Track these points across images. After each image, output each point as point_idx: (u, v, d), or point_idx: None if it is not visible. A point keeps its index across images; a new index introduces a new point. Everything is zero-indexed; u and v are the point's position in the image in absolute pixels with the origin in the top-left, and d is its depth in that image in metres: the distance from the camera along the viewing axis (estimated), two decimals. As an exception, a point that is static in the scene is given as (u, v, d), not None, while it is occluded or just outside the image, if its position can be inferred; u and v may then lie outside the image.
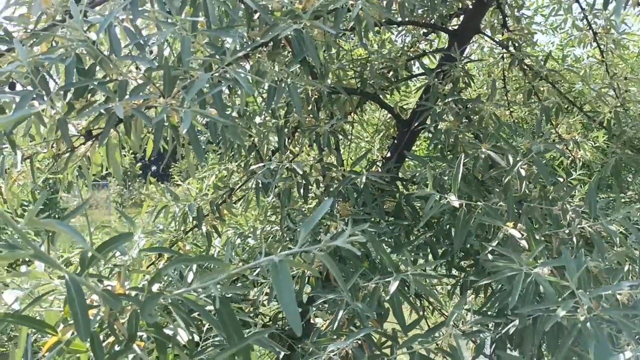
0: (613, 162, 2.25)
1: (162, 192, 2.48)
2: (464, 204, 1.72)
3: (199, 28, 1.49)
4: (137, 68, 1.68)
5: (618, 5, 1.33)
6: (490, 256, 1.60)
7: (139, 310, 1.11)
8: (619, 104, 2.45)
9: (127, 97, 1.30)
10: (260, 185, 2.21)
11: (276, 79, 1.61)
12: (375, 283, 1.66)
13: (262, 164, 2.10)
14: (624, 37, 3.15)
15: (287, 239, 2.46)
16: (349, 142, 2.91)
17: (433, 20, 2.67)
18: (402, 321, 1.59)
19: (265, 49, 1.72)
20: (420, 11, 2.66)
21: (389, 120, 3.01)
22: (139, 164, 17.01)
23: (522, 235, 1.61)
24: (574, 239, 1.69)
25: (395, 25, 2.73)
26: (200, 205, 2.34)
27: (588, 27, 3.12)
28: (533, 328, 1.48)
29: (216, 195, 2.46)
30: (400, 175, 2.53)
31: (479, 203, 1.75)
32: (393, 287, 1.56)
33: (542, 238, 1.68)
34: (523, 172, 1.80)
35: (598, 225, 1.65)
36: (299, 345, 1.89)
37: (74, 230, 0.89)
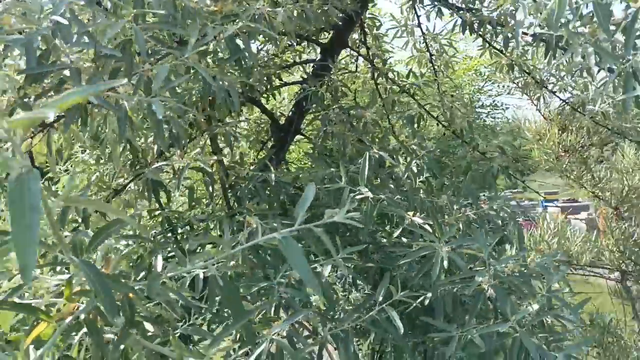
0: (465, 164, 2.65)
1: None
2: (370, 196, 1.93)
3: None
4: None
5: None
6: (404, 240, 1.82)
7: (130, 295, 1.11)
8: (470, 116, 2.89)
9: (84, 84, 1.27)
10: (151, 185, 2.18)
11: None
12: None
13: (162, 163, 2.09)
14: (453, 60, 3.67)
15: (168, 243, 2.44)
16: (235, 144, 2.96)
17: (306, 33, 2.87)
18: (330, 301, 1.74)
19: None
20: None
21: (262, 125, 3.13)
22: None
23: (424, 221, 1.87)
24: (460, 225, 1.99)
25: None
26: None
27: (426, 49, 3.59)
28: (443, 298, 1.73)
29: (100, 197, 2.35)
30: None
31: (382, 196, 1.97)
32: (327, 271, 1.70)
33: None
34: (415, 169, 2.07)
35: (479, 212, 1.98)
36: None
37: (114, 209, 0.89)
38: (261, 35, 1.97)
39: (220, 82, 1.51)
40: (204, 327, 2.02)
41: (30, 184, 0.66)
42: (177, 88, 1.38)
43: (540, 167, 4.76)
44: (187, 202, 2.48)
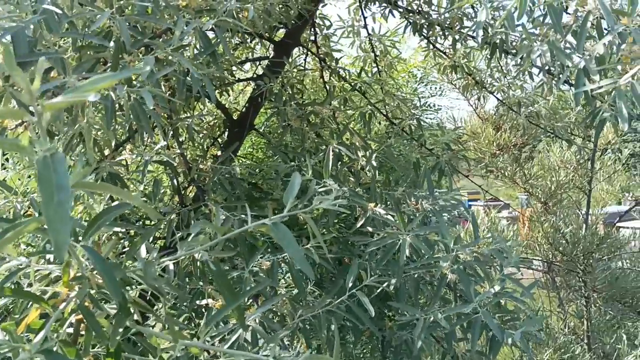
0: (414, 159, 2.78)
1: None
2: (336, 188, 2.00)
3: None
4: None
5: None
6: (370, 229, 1.90)
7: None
8: (418, 113, 3.02)
9: (74, 73, 1.28)
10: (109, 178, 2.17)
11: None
12: (269, 260, 1.83)
13: (127, 156, 2.09)
14: (396, 60, 3.80)
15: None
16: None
17: (260, 30, 2.91)
18: (302, 289, 1.80)
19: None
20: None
21: (215, 121, 3.13)
22: None
23: (387, 212, 1.96)
24: (417, 215, 2.10)
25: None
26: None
27: (371, 50, 3.70)
28: (406, 284, 1.82)
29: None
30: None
31: (344, 188, 2.04)
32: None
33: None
34: (375, 163, 2.16)
35: (434, 203, 2.09)
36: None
37: (128, 193, 0.91)
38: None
39: (196, 75, 1.53)
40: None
41: (56, 165, 0.69)
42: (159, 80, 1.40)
43: (473, 168, 4.96)
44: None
